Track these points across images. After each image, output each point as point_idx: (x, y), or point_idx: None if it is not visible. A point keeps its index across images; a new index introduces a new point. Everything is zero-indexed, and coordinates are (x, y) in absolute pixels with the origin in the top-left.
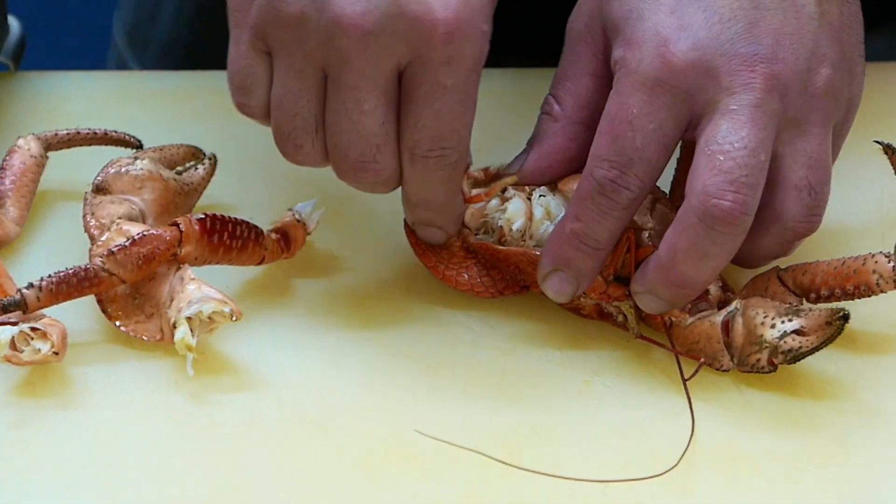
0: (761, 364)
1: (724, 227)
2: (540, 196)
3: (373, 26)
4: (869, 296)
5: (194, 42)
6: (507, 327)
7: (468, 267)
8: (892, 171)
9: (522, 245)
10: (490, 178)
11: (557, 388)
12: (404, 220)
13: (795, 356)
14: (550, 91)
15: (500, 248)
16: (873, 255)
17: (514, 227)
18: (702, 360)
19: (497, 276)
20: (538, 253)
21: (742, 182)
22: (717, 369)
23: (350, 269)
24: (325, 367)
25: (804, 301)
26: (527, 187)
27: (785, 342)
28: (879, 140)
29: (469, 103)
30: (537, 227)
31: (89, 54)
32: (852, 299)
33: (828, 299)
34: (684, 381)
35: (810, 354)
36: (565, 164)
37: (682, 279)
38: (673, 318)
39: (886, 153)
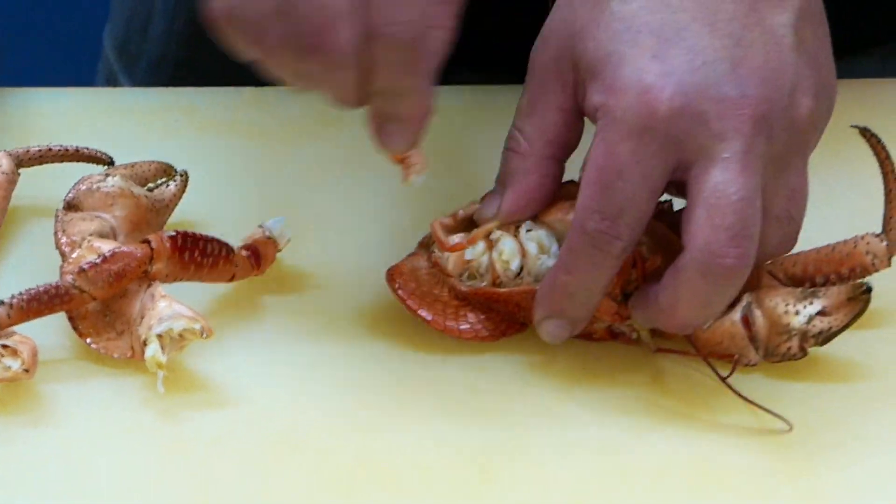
0: (793, 352)
1: (728, 281)
2: (527, 231)
3: None
4: (864, 276)
5: (185, 58)
6: (477, 344)
7: (465, 315)
8: (862, 190)
9: (520, 283)
10: (459, 223)
11: (529, 405)
12: (388, 273)
13: (826, 337)
14: (515, 125)
15: (501, 290)
16: (863, 237)
17: (513, 268)
18: (735, 356)
19: (497, 318)
20: None
21: (743, 235)
22: (745, 365)
23: (320, 286)
24: (296, 385)
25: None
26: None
27: (814, 325)
28: (857, 125)
29: None
30: (534, 262)
31: (78, 69)
32: (847, 282)
33: (823, 286)
34: (723, 379)
35: (840, 332)
36: (541, 200)
37: (683, 323)
38: None
39: (864, 136)
